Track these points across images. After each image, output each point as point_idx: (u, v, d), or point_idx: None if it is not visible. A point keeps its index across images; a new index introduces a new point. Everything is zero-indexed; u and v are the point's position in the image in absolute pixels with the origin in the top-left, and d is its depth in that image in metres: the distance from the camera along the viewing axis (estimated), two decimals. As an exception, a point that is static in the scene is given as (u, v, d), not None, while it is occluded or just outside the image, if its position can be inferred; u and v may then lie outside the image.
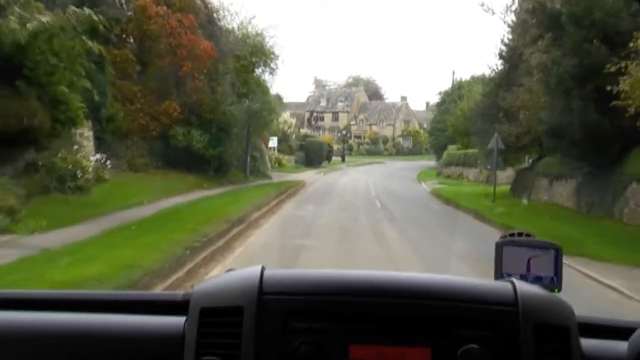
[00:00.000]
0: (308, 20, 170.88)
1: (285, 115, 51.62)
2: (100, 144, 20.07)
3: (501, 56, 29.35)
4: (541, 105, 21.27)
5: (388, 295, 1.24)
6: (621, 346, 1.31)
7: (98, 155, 18.49)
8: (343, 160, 66.62)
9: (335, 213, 19.93)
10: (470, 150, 44.40)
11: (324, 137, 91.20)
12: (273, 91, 34.46)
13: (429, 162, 72.00)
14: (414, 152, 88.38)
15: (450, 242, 13.95)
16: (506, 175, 39.70)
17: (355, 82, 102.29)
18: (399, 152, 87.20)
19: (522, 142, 25.38)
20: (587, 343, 1.31)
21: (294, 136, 53.12)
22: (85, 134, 19.28)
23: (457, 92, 64.10)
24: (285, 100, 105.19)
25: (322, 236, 14.02)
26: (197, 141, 23.54)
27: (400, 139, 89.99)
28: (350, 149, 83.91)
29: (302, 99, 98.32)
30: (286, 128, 50.78)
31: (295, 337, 1.19)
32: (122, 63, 21.78)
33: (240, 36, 29.38)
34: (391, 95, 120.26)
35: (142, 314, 1.39)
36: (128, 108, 21.96)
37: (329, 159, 56.07)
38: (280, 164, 45.57)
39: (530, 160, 31.29)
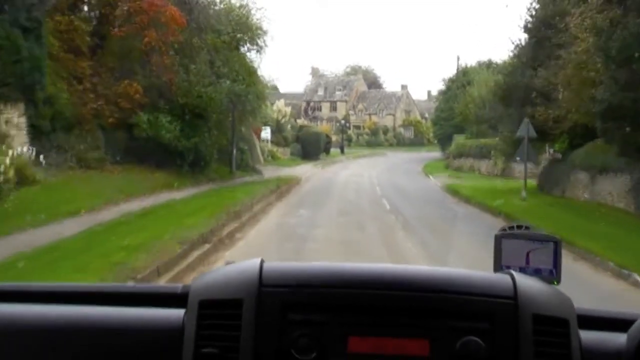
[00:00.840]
0: (305, 8, 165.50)
1: (280, 104, 47.11)
2: (37, 134, 15.64)
3: (526, 29, 24.89)
4: (591, 79, 16.84)
5: (387, 288, 1.22)
6: (620, 338, 1.30)
7: (24, 149, 14.01)
8: (342, 152, 62.18)
9: (335, 219, 15.59)
10: (482, 140, 39.98)
11: (322, 127, 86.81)
12: (263, 74, 29.69)
13: (433, 153, 68.06)
14: (416, 142, 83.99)
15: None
16: (522, 168, 35.40)
17: (354, 71, 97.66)
18: (400, 142, 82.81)
19: (561, 127, 20.90)
20: (586, 335, 1.29)
21: (289, 126, 48.59)
22: (14, 121, 14.84)
23: (462, 78, 59.67)
24: (282, 91, 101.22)
25: (317, 259, 9.69)
26: (166, 130, 19.03)
27: (402, 129, 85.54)
28: (350, 140, 79.39)
29: (299, 89, 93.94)
30: (280, 118, 46.25)
31: (294, 329, 1.18)
32: (68, 32, 17.29)
33: (222, 8, 24.78)
34: (390, 85, 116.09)
35: (141, 306, 1.38)
36: (75, 88, 17.42)
37: (327, 150, 51.57)
38: (274, 157, 41.12)
39: (551, 151, 26.85)
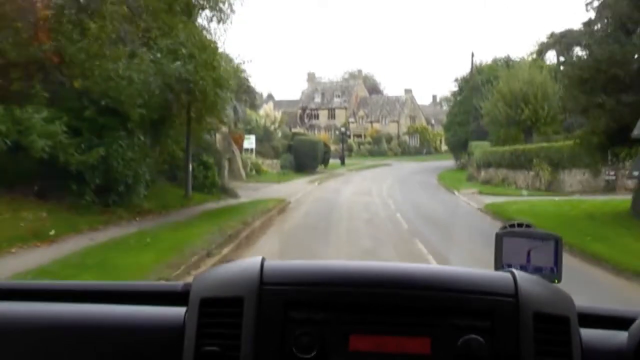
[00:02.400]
0: (300, 12, 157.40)
1: (268, 108, 38.81)
2: None
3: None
4: None
5: (388, 286, 1.22)
6: (621, 336, 1.29)
7: None
8: (342, 163, 53.86)
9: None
10: (520, 147, 31.69)
11: (320, 136, 78.52)
12: (229, 54, 21.26)
13: (443, 162, 60.07)
14: (422, 151, 75.78)
15: None
16: (577, 180, 27.12)
17: (353, 77, 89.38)
18: (405, 151, 74.57)
19: None
20: (587, 333, 1.28)
21: (279, 134, 40.27)
22: None
23: (478, 77, 51.47)
24: (277, 98, 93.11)
25: None
26: (40, 134, 10.61)
27: (406, 137, 77.28)
28: (350, 149, 71.08)
29: (296, 97, 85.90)
30: (269, 124, 37.93)
31: (295, 328, 1.17)
32: None
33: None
34: (391, 91, 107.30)
35: (142, 304, 1.37)
36: None
37: (325, 162, 43.25)
38: (259, 171, 32.77)
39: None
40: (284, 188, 26.67)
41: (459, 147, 51.86)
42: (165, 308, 1.35)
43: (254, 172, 31.97)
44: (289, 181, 31.47)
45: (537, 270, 1.46)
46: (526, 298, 1.21)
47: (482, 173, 35.68)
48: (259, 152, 36.16)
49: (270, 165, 36.08)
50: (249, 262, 1.28)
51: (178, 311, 1.30)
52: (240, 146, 32.19)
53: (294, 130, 59.26)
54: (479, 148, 37.83)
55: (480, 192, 28.86)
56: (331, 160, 51.79)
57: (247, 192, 22.82)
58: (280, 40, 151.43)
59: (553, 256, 1.48)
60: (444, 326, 1.18)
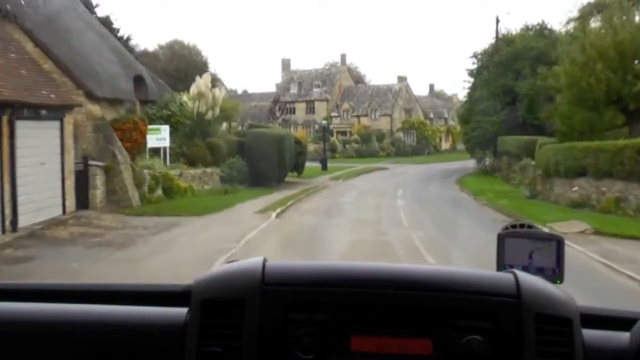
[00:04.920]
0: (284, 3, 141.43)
1: (202, 82, 23.62)
2: None
3: None
4: None
5: (390, 287, 1.20)
6: (623, 337, 1.27)
7: None
8: (324, 167, 38.97)
9: None
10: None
11: (296, 134, 63.47)
12: None
13: (450, 164, 46.62)
14: (422, 151, 61.19)
15: None
16: None
17: (335, 67, 74.18)
18: (400, 151, 59.96)
19: None
20: (589, 334, 1.26)
21: (223, 127, 25.05)
22: None
23: (508, 50, 36.92)
24: (250, 91, 77.82)
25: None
26: None
27: (401, 134, 62.53)
28: (334, 149, 56.21)
29: (270, 89, 70.84)
30: (203, 108, 22.82)
31: (297, 328, 1.15)
32: None
33: None
34: (381, 80, 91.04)
35: (143, 305, 1.36)
36: None
37: (298, 167, 28.31)
38: (172, 191, 17.63)
39: None
40: (193, 238, 11.76)
41: (484, 144, 37.26)
42: (166, 309, 1.31)
43: (159, 192, 16.82)
44: (224, 209, 16.48)
45: (539, 271, 1.41)
46: (528, 299, 1.18)
47: (558, 186, 20.78)
48: (186, 155, 21.07)
49: (202, 177, 20.98)
50: (250, 262, 1.25)
51: (179, 312, 1.26)
52: (135, 142, 17.09)
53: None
54: (548, 147, 22.95)
55: (597, 232, 14.19)
56: (308, 164, 37.01)
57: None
58: (253, 29, 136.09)
59: (555, 257, 1.44)
60: (446, 327, 1.16)
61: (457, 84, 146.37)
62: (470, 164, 43.54)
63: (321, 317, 1.16)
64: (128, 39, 37.77)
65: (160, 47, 50.08)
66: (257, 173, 23.98)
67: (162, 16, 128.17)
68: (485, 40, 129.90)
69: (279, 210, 17.15)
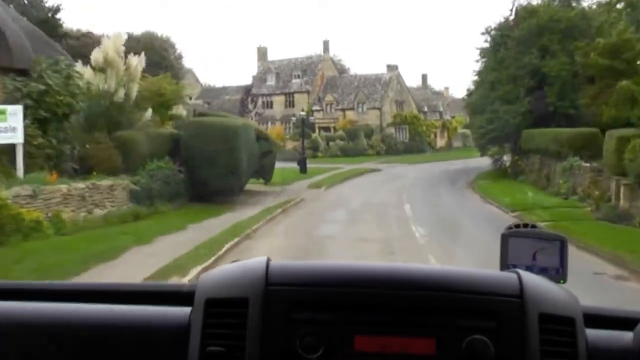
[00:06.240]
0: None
1: (109, 44, 15.30)
2: None
3: None
4: None
5: (393, 287, 1.19)
6: (627, 336, 1.26)
7: None
8: (303, 170, 31.08)
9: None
10: None
11: (273, 130, 55.25)
12: None
13: (450, 163, 40.33)
14: (413, 148, 53.46)
15: None
16: None
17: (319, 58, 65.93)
18: (391, 149, 52.27)
19: None
20: (593, 333, 1.25)
21: (148, 113, 16.76)
22: None
23: (531, 22, 29.18)
24: (226, 84, 69.32)
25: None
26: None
27: (392, 130, 54.65)
28: (316, 147, 48.32)
29: (248, 82, 62.54)
30: (109, 84, 14.58)
31: (300, 328, 1.14)
32: None
33: None
34: (368, 69, 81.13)
35: (147, 304, 1.34)
36: None
37: (265, 173, 20.21)
38: (4, 228, 9.39)
39: None
40: None
41: (500, 139, 29.60)
42: (170, 308, 1.30)
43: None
44: (93, 266, 8.26)
45: (543, 271, 1.39)
46: (532, 299, 1.18)
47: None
48: (75, 158, 12.94)
49: (94, 195, 12.80)
50: (254, 262, 1.24)
51: (183, 311, 1.26)
52: None
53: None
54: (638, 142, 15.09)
55: None
56: (286, 165, 29.15)
57: None
58: (228, 17, 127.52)
59: (559, 257, 1.42)
60: (449, 327, 1.15)
61: (449, 77, 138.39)
62: (473, 163, 36.26)
63: (325, 317, 1.15)
64: (56, 10, 30.11)
65: (135, 38, 42.21)
66: (198, 183, 15.90)
67: (134, 5, 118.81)
68: (482, 20, 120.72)
69: (209, 261, 9.12)
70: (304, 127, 37.91)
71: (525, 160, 27.11)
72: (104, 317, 1.28)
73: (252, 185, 21.20)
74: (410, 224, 13.99)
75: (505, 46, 30.04)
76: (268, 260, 1.22)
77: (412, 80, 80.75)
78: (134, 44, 42.02)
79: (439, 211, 17.03)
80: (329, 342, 1.13)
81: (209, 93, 65.02)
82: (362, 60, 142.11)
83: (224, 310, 1.17)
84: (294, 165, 31.96)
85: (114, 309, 1.31)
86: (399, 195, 21.05)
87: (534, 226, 1.45)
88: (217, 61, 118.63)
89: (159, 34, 43.68)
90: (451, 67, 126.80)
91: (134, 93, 15.68)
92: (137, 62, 15.86)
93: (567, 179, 20.98)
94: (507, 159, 31.12)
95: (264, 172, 20.34)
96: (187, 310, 1.24)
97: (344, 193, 21.95)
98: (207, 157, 15.68)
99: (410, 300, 1.17)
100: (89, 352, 1.24)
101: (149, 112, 16.48)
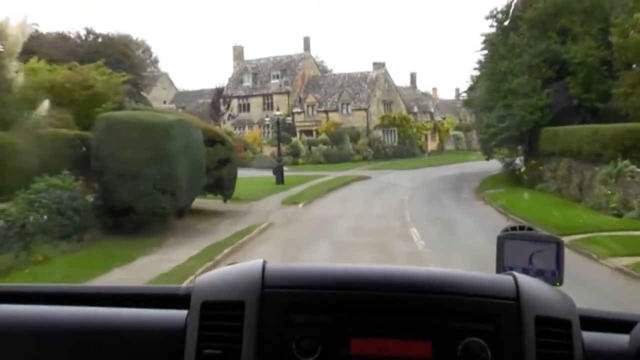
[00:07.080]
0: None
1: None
2: None
3: None
4: None
5: (389, 289, 1.18)
6: (623, 339, 1.26)
7: None
8: (280, 180, 26.00)
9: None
10: None
11: (249, 134, 50.05)
12: None
13: (444, 168, 36.59)
14: (403, 152, 48.64)
15: None
16: None
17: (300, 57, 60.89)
18: (378, 154, 47.47)
19: None
20: (589, 336, 1.24)
21: (41, 109, 11.53)
22: None
23: (542, 1, 24.45)
24: (202, 87, 64.00)
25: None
26: None
27: (380, 132, 49.76)
28: (296, 153, 43.32)
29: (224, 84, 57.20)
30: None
31: (296, 331, 1.13)
32: None
33: None
34: (352, 68, 74.93)
35: (143, 307, 1.33)
36: None
37: (222, 187, 15.04)
38: None
39: None
40: None
41: (513, 140, 24.82)
42: (166, 311, 1.29)
43: None
44: None
45: (539, 273, 1.38)
46: (528, 301, 1.17)
47: None
48: None
49: None
50: (250, 265, 1.23)
51: (179, 314, 1.25)
52: None
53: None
54: None
55: None
56: (262, 174, 24.17)
57: None
58: (202, 18, 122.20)
59: (555, 259, 1.40)
60: (446, 329, 1.14)
61: (436, 78, 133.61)
62: (470, 168, 32.84)
63: (321, 320, 1.15)
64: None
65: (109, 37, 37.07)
66: (115, 208, 10.74)
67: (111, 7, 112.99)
68: (471, 18, 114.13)
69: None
70: (280, 129, 32.83)
71: (547, 165, 22.29)
72: (101, 320, 1.27)
73: (208, 202, 16.09)
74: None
75: (516, 30, 25.30)
76: (264, 262, 1.22)
77: (399, 80, 75.83)
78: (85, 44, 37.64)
79: (462, 239, 12.07)
80: (326, 345, 1.12)
81: (184, 97, 59.88)
82: (344, 61, 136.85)
83: (221, 313, 1.16)
84: (270, 175, 26.99)
85: (110, 312, 1.29)
86: (400, 213, 16.08)
87: (530, 229, 1.44)
88: (194, 64, 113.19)
89: (134, 37, 39.20)
90: (438, 68, 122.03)
91: (15, 76, 10.52)
92: (17, 30, 10.68)
93: (614, 189, 16.18)
94: (519, 162, 26.30)
95: (222, 187, 15.21)
96: (183, 313, 1.23)
97: (328, 212, 16.92)
98: (125, 169, 10.55)
99: (407, 303, 1.16)
100: (86, 355, 1.22)
101: (45, 105, 11.30)
